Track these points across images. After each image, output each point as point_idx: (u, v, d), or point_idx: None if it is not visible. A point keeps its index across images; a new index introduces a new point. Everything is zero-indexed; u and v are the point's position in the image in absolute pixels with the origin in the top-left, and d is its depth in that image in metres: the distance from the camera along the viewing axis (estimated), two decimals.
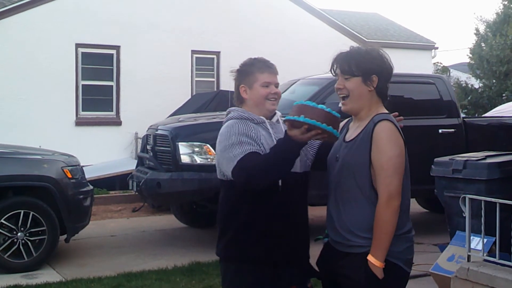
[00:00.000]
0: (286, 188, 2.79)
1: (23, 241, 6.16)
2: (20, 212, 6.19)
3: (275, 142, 2.76)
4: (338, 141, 2.84)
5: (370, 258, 2.61)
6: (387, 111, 2.81)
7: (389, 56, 2.89)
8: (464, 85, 17.79)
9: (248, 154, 2.70)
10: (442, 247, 5.27)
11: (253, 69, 2.96)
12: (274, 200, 2.78)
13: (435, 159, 5.75)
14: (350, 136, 2.79)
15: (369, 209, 2.66)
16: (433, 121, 7.95)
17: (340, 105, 2.84)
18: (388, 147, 2.63)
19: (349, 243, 2.70)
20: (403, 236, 2.70)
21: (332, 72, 2.87)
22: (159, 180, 6.97)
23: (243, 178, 2.69)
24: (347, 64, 2.77)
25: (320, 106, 2.57)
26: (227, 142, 2.78)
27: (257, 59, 3.04)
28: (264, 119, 2.92)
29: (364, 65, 2.75)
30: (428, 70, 16.81)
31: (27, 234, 6.19)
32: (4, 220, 6.11)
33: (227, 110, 3.04)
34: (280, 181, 2.76)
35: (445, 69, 25.29)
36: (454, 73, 23.61)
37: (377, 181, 2.63)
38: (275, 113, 3.01)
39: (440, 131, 7.87)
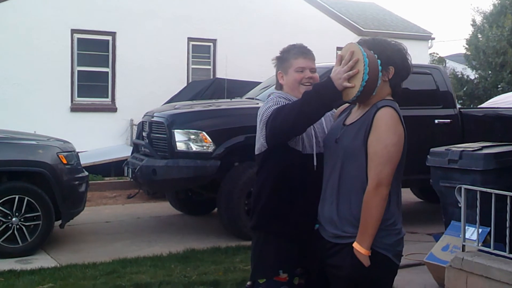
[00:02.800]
0: (319, 168, 2.90)
1: (17, 226, 6.15)
2: (15, 197, 6.17)
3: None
4: (337, 123, 2.87)
5: (356, 245, 2.61)
6: (392, 99, 2.79)
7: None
8: (460, 76, 17.80)
9: (283, 105, 2.90)
10: (436, 237, 5.28)
11: (288, 56, 3.10)
12: (308, 180, 2.93)
13: (431, 149, 5.76)
14: (351, 119, 2.78)
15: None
16: (429, 111, 7.96)
17: None
18: (386, 135, 2.62)
19: (344, 234, 2.68)
20: (393, 228, 2.69)
21: None
22: (155, 167, 6.96)
23: (277, 121, 2.85)
24: (371, 46, 2.76)
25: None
26: (262, 117, 2.98)
27: (295, 45, 3.15)
28: None
29: (386, 53, 2.75)
30: (425, 60, 16.80)
31: (22, 220, 6.18)
32: None
33: (268, 94, 3.17)
34: (315, 161, 2.92)
35: (441, 60, 25.31)
36: (450, 64, 23.63)
37: (369, 167, 2.62)
38: None
39: (436, 121, 7.88)
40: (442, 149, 5.62)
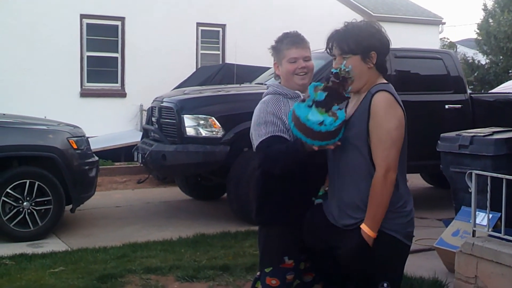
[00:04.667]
0: (303, 175, 2.90)
1: (29, 211, 6.19)
2: (26, 182, 6.20)
3: None
4: None
5: (364, 227, 2.61)
6: (386, 81, 2.77)
7: (386, 30, 2.83)
8: (470, 61, 17.68)
9: (270, 138, 2.88)
10: (447, 222, 5.27)
11: (281, 46, 3.07)
12: (309, 172, 2.93)
13: (442, 135, 5.73)
14: (349, 112, 2.75)
15: (368, 189, 2.66)
16: (439, 96, 7.91)
17: None
18: (385, 120, 2.61)
19: (352, 220, 2.69)
20: (402, 210, 2.70)
21: (328, 51, 2.82)
22: (164, 152, 6.97)
23: (260, 159, 2.94)
24: (345, 43, 2.71)
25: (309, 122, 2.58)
26: (257, 120, 2.97)
27: (287, 34, 3.11)
28: (299, 93, 3.02)
29: (363, 42, 2.70)
30: (435, 45, 16.68)
31: (33, 204, 6.22)
32: (10, 189, 6.14)
33: (267, 85, 3.17)
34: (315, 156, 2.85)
35: (452, 45, 25.11)
36: (461, 49, 23.44)
37: (375, 154, 2.61)
38: None
39: (446, 106, 7.83)
40: (452, 134, 5.59)
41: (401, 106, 2.67)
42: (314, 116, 2.59)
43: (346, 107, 2.80)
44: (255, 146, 2.94)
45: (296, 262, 3.01)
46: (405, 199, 2.71)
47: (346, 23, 2.80)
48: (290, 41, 3.05)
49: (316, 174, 2.93)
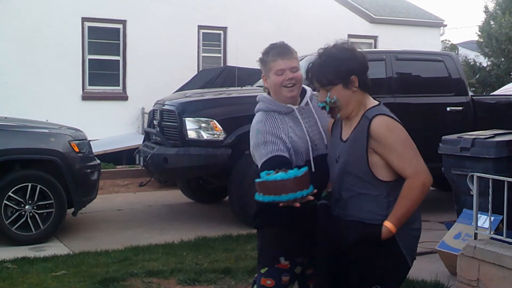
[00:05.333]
0: (318, 170, 2.90)
1: (30, 214, 6.20)
2: (28, 185, 6.22)
3: (304, 130, 2.92)
4: (334, 139, 2.85)
5: (387, 224, 2.61)
6: (376, 102, 2.78)
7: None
8: (472, 63, 17.67)
9: (271, 158, 2.83)
10: (448, 225, 5.27)
11: (267, 58, 3.00)
12: None
13: (443, 137, 5.73)
14: (346, 134, 2.76)
15: (375, 200, 2.68)
16: (441, 98, 7.92)
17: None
18: (395, 136, 2.63)
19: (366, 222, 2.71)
20: (411, 227, 2.72)
21: (311, 85, 2.82)
22: (166, 155, 6.97)
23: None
24: (324, 76, 2.71)
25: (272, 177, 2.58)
26: (256, 140, 2.94)
27: (273, 46, 3.03)
28: (293, 107, 2.98)
29: (341, 71, 2.68)
30: (436, 47, 16.67)
31: (35, 207, 6.23)
32: (12, 193, 6.15)
33: (257, 98, 3.09)
34: (313, 167, 2.88)
35: (454, 47, 25.11)
36: (462, 51, 23.44)
37: (401, 168, 2.61)
38: (305, 94, 3.02)
39: (448, 109, 7.84)
40: (454, 136, 5.58)
41: (400, 123, 2.69)
42: (271, 176, 2.63)
43: (341, 129, 2.82)
44: (259, 167, 2.89)
45: (292, 264, 3.00)
46: (415, 215, 2.74)
47: (319, 53, 2.77)
48: (276, 53, 2.97)
49: (317, 182, 2.91)
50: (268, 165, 2.80)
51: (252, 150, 3.00)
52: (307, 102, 3.02)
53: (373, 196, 2.69)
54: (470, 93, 8.34)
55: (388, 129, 2.64)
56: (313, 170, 2.88)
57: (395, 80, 7.71)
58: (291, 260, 3.00)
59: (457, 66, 8.26)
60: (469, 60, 17.86)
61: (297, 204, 2.62)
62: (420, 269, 4.79)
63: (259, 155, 2.92)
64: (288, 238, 2.96)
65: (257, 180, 2.66)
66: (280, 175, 2.59)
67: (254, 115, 3.07)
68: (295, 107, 2.98)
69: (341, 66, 2.68)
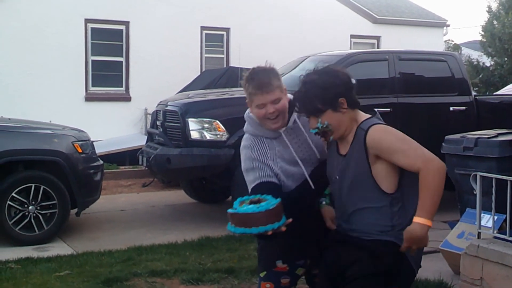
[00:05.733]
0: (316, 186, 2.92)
1: (34, 215, 6.21)
2: (31, 186, 6.23)
3: (293, 153, 2.88)
4: (332, 153, 2.84)
5: (417, 219, 2.56)
6: (367, 115, 2.76)
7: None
8: (475, 63, 17.63)
9: (258, 185, 2.85)
10: (452, 224, 5.26)
11: (248, 90, 2.88)
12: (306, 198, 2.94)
13: (446, 137, 5.73)
14: (344, 149, 2.75)
15: (379, 212, 2.67)
16: (444, 98, 7.91)
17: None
18: (391, 138, 2.62)
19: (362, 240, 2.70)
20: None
21: (300, 113, 2.81)
22: (169, 155, 6.98)
23: None
24: (311, 105, 2.69)
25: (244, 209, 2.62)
26: (245, 166, 2.97)
27: (252, 76, 2.87)
28: (280, 132, 2.92)
29: (328, 97, 2.66)
30: (440, 47, 16.65)
31: (38, 208, 6.25)
32: (15, 193, 6.16)
33: (245, 117, 3.03)
34: (311, 184, 2.91)
35: (457, 47, 25.05)
36: (465, 51, 23.38)
37: (410, 163, 2.58)
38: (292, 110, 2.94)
39: (451, 108, 7.83)
40: (457, 136, 5.58)
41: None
42: (248, 207, 2.66)
43: (337, 144, 2.81)
44: (249, 192, 2.91)
45: (291, 267, 2.99)
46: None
47: (303, 81, 2.74)
48: (255, 86, 2.83)
49: (317, 190, 2.93)
50: (257, 191, 2.81)
51: (243, 173, 3.00)
52: (294, 121, 2.94)
53: (377, 208, 2.68)
54: (473, 93, 8.34)
55: (383, 133, 2.63)
56: (312, 187, 2.90)
57: (398, 80, 7.70)
58: (289, 263, 2.99)
59: (460, 66, 8.26)
60: (472, 60, 17.83)
61: (269, 232, 2.62)
62: (423, 268, 4.73)
63: (248, 181, 2.94)
64: (285, 242, 2.93)
65: (229, 210, 2.68)
66: (251, 207, 2.61)
67: None
68: (282, 131, 2.92)
69: (327, 93, 2.65)
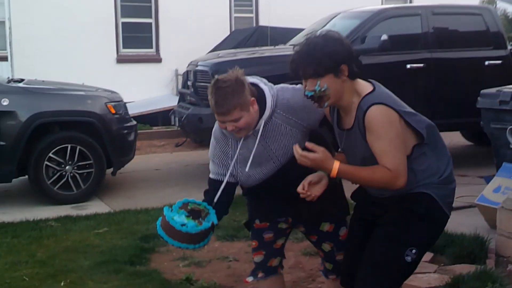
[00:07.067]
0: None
1: (71, 174, 6.34)
2: (67, 147, 6.34)
3: (256, 155, 2.79)
4: (336, 129, 2.76)
5: (336, 164, 2.55)
6: (370, 87, 2.63)
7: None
8: (511, 17, 17.18)
9: (210, 179, 2.99)
10: (488, 179, 5.21)
11: (210, 105, 2.73)
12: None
13: (482, 91, 5.64)
14: (348, 123, 2.65)
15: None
16: (479, 52, 7.76)
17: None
18: (385, 132, 2.52)
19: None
20: (449, 180, 2.68)
21: (293, 74, 2.63)
22: (201, 115, 7.01)
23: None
24: (312, 67, 2.55)
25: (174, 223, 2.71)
26: (209, 152, 3.02)
27: (211, 90, 2.71)
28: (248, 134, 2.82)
29: (331, 61, 2.54)
30: (474, 1, 16.21)
31: (75, 168, 6.37)
32: (52, 154, 6.28)
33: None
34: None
35: (491, 1, 24.38)
36: (500, 5, 22.74)
37: (383, 161, 2.52)
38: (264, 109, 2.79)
39: (486, 63, 7.68)
40: (493, 90, 5.49)
41: (394, 109, 2.56)
42: (180, 218, 2.75)
43: (338, 115, 2.72)
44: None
45: (272, 223, 3.01)
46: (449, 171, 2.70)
47: (305, 43, 2.61)
48: (213, 106, 2.69)
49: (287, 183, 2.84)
50: (209, 185, 2.96)
51: None
52: (268, 116, 2.78)
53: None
54: (509, 47, 8.15)
55: (381, 120, 2.52)
56: (281, 180, 2.84)
57: (431, 35, 7.56)
58: (268, 221, 3.01)
59: (496, 19, 8.07)
60: (508, 14, 17.37)
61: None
62: (459, 223, 4.77)
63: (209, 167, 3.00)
64: (258, 204, 3.02)
65: (164, 210, 2.78)
66: (179, 222, 2.72)
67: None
68: (249, 133, 2.79)
69: (331, 57, 2.55)
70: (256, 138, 2.78)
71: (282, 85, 2.92)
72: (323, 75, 2.54)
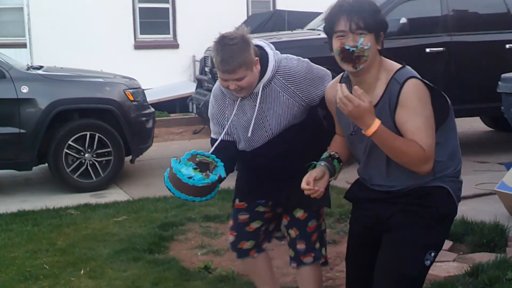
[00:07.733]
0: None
1: (90, 162, 6.38)
2: (86, 134, 6.37)
3: (250, 119, 2.80)
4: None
5: (378, 122, 2.31)
6: (398, 64, 2.47)
7: None
8: None
9: (212, 139, 3.01)
10: (508, 166, 5.14)
11: (214, 59, 2.69)
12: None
13: (502, 75, 5.56)
14: (372, 101, 2.38)
15: None
16: (499, 36, 7.62)
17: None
18: (422, 108, 2.38)
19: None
20: (460, 172, 2.56)
21: (330, 27, 2.41)
22: None
23: None
24: (362, 18, 2.36)
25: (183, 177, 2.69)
26: (209, 112, 3.03)
27: (216, 47, 2.67)
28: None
29: (377, 20, 2.40)
30: None
31: (94, 155, 6.40)
32: (71, 141, 6.32)
33: None
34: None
35: None
36: None
37: (417, 136, 2.36)
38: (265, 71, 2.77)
39: (507, 46, 7.55)
40: None
41: (427, 86, 2.42)
42: (187, 171, 2.73)
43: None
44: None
45: (250, 204, 3.04)
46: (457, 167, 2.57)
47: None
48: (218, 63, 2.64)
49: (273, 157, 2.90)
50: (211, 143, 2.98)
51: None
52: (267, 81, 2.75)
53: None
54: None
55: (419, 95, 2.38)
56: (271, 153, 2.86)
57: (451, 18, 7.45)
58: (246, 201, 3.05)
59: None
60: None
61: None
62: (479, 210, 4.74)
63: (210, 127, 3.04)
64: (245, 182, 3.07)
65: (172, 162, 2.76)
66: (186, 174, 2.71)
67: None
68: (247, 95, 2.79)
69: (377, 15, 2.41)
70: (252, 101, 2.79)
71: (288, 54, 2.92)
72: (370, 31, 2.38)
